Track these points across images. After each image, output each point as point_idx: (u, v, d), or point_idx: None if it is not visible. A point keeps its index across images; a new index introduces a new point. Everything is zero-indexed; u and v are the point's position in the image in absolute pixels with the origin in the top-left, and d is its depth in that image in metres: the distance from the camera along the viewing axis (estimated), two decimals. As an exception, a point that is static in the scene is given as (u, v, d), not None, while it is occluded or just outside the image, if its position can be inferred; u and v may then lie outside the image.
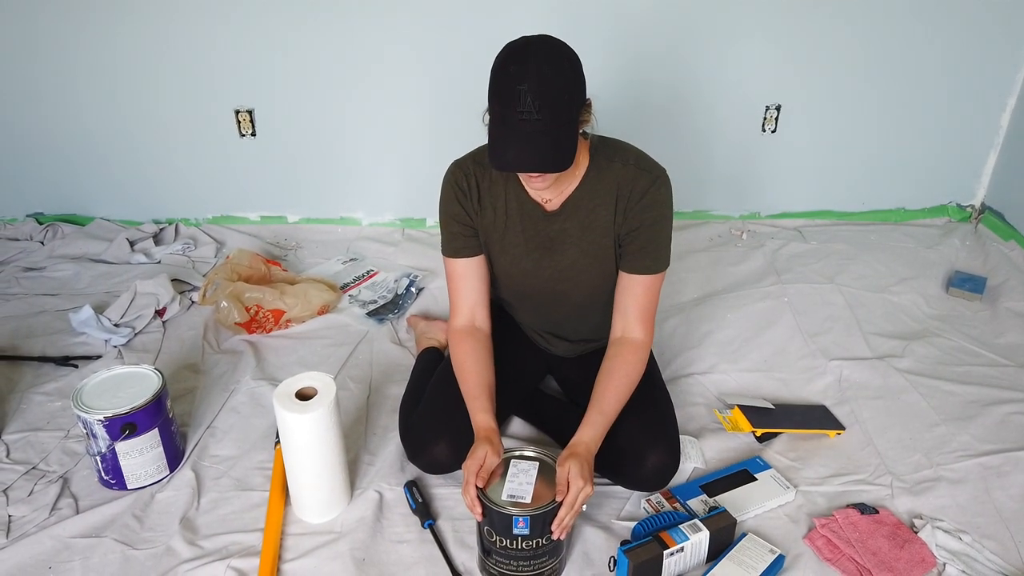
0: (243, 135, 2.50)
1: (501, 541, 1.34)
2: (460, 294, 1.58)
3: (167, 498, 1.59)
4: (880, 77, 2.49)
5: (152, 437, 1.58)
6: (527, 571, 1.37)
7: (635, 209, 1.45)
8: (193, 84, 2.43)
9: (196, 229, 2.60)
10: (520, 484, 1.36)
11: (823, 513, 1.55)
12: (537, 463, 1.40)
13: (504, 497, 1.34)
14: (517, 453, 1.43)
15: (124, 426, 1.53)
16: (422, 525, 1.52)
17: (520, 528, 1.33)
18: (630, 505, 1.58)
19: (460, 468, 1.59)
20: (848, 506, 1.56)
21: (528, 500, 1.32)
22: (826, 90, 2.50)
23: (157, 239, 2.53)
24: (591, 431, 1.44)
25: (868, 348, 2.02)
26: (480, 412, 1.48)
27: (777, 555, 1.43)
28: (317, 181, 2.59)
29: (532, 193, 1.48)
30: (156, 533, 1.51)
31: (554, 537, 1.34)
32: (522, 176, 1.42)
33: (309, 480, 1.50)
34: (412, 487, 1.59)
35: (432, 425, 1.60)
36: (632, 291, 1.51)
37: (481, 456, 1.37)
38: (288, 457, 1.49)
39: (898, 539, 1.49)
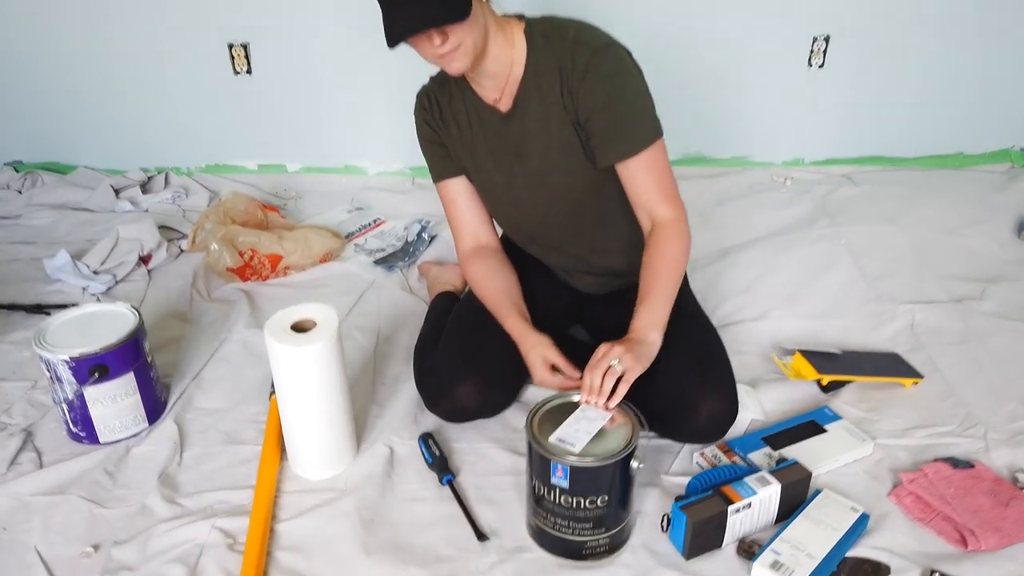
0: (237, 72, 2.28)
1: (541, 488, 1.13)
2: (459, 218, 1.50)
3: (144, 452, 1.38)
4: (938, 5, 2.25)
5: (127, 383, 1.37)
6: (568, 533, 1.14)
7: (581, 91, 1.27)
8: (182, 15, 2.21)
9: (188, 178, 2.38)
10: (577, 431, 1.13)
11: (908, 468, 1.33)
12: (608, 416, 1.17)
13: (552, 439, 1.13)
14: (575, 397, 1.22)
15: (93, 368, 1.32)
16: (440, 481, 1.31)
17: (558, 478, 1.10)
18: (680, 461, 1.36)
19: (486, 414, 1.42)
20: (937, 460, 1.34)
21: (577, 449, 1.11)
22: (879, 18, 2.25)
23: (145, 188, 2.32)
24: (649, 314, 1.26)
25: (942, 291, 1.78)
26: (522, 321, 1.39)
27: (860, 514, 1.21)
28: (320, 125, 2.37)
29: (478, 92, 1.36)
30: (130, 490, 1.30)
31: (581, 398, 1.17)
32: (436, 60, 1.23)
33: (307, 428, 1.28)
34: (428, 439, 1.38)
35: (454, 364, 1.40)
36: (633, 179, 1.32)
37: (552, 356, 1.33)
38: (283, 402, 1.27)
39: (1000, 496, 1.26)
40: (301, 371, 1.22)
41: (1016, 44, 2.31)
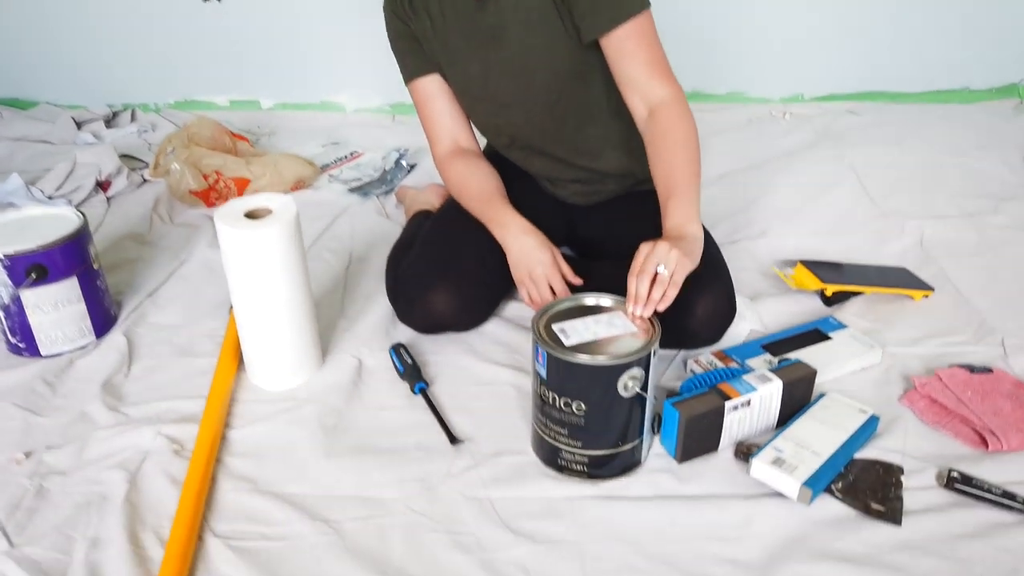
0: (206, 0, 2.17)
1: (536, 382, 1.02)
2: (435, 119, 1.38)
3: (89, 364, 1.27)
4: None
5: (69, 289, 1.25)
6: (546, 432, 1.03)
7: None
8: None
9: (156, 115, 2.27)
10: (586, 326, 1.01)
11: (921, 375, 1.22)
12: (634, 330, 1.02)
13: (555, 325, 1.02)
14: (607, 302, 1.08)
15: (31, 268, 1.21)
16: (412, 390, 1.20)
17: (540, 364, 0.99)
18: (673, 368, 1.25)
19: (463, 326, 1.32)
20: (952, 366, 1.23)
21: (568, 341, 0.98)
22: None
23: (111, 124, 2.20)
24: (679, 212, 1.13)
25: (953, 207, 1.68)
26: (508, 210, 1.29)
27: (869, 415, 1.10)
28: (295, 58, 2.25)
29: None
30: (69, 400, 1.18)
31: (628, 308, 1.04)
32: None
33: (264, 331, 1.17)
34: (400, 349, 1.27)
35: (429, 269, 1.29)
36: (621, 54, 1.20)
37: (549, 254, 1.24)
38: (237, 301, 1.16)
39: (1022, 398, 1.16)
40: (255, 260, 1.10)
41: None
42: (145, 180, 1.89)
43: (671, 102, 1.20)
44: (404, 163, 1.94)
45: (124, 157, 1.93)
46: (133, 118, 2.23)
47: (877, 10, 2.24)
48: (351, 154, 2.05)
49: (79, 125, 2.13)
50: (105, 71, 2.25)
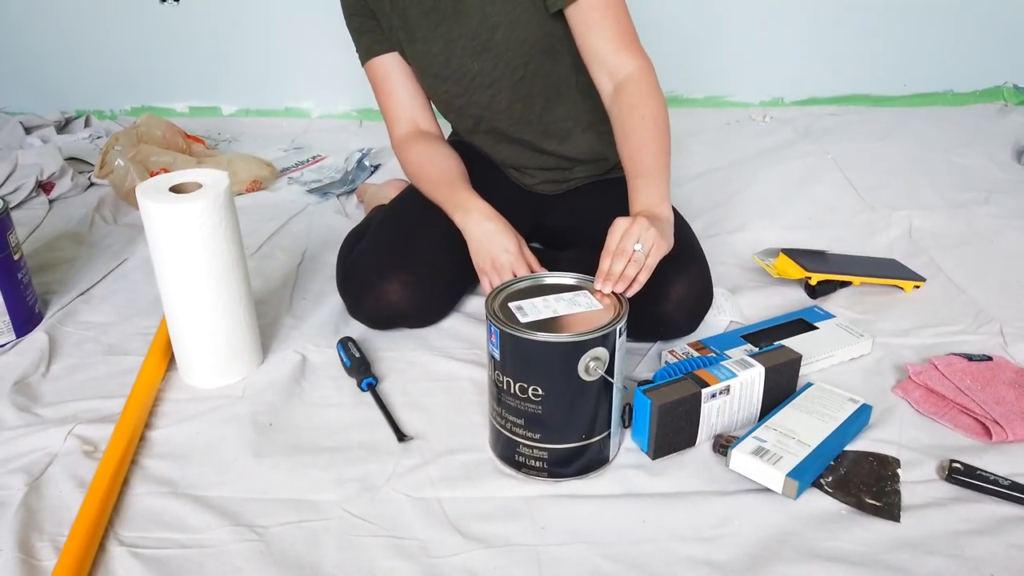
0: (163, 0, 2.09)
1: (490, 367, 0.92)
2: (391, 99, 1.29)
3: (4, 363, 1.15)
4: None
5: (-15, 280, 1.15)
6: (502, 424, 0.92)
7: None
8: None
9: (112, 122, 2.17)
10: (546, 304, 0.92)
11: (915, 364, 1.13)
12: (600, 307, 0.92)
13: (511, 303, 0.92)
14: (570, 280, 0.99)
15: (-62, 256, 1.10)
16: (359, 386, 1.09)
17: (492, 345, 0.89)
18: (647, 362, 1.15)
19: (419, 321, 1.22)
20: (949, 355, 1.13)
21: (524, 319, 0.88)
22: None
23: (63, 130, 2.11)
24: (649, 192, 1.04)
25: (941, 199, 1.60)
26: (471, 194, 1.19)
27: (860, 404, 1.00)
28: (258, 62, 2.17)
29: None
30: (-24, 401, 1.07)
31: (596, 285, 0.94)
32: None
33: (194, 320, 1.06)
34: (348, 342, 1.16)
35: (381, 257, 1.19)
36: (586, 24, 1.12)
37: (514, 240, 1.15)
38: (164, 287, 1.05)
39: (1026, 388, 1.06)
40: (182, 239, 1.00)
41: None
42: (92, 183, 1.78)
43: (639, 76, 1.12)
44: (367, 163, 1.85)
45: (72, 160, 1.83)
46: (87, 124, 2.14)
47: (858, 14, 2.18)
48: (313, 158, 1.96)
49: (28, 131, 2.03)
50: (58, 75, 2.16)
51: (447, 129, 1.40)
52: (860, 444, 0.97)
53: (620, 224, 0.98)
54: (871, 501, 0.88)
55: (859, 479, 0.91)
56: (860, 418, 0.99)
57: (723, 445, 0.96)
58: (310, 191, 1.76)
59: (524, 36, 1.17)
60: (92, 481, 0.89)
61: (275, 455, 0.96)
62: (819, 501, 0.88)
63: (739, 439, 0.93)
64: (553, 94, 1.24)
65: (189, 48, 2.14)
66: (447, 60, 1.22)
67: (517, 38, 1.18)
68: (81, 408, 1.05)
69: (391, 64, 1.27)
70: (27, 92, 2.17)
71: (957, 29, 2.22)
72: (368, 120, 2.22)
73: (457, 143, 1.39)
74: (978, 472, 0.91)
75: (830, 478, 0.91)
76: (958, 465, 0.91)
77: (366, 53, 1.27)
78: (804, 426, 0.95)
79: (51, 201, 1.70)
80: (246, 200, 1.73)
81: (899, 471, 0.92)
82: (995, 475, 0.90)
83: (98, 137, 2.06)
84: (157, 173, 1.63)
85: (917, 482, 0.91)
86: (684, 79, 2.25)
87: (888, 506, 0.87)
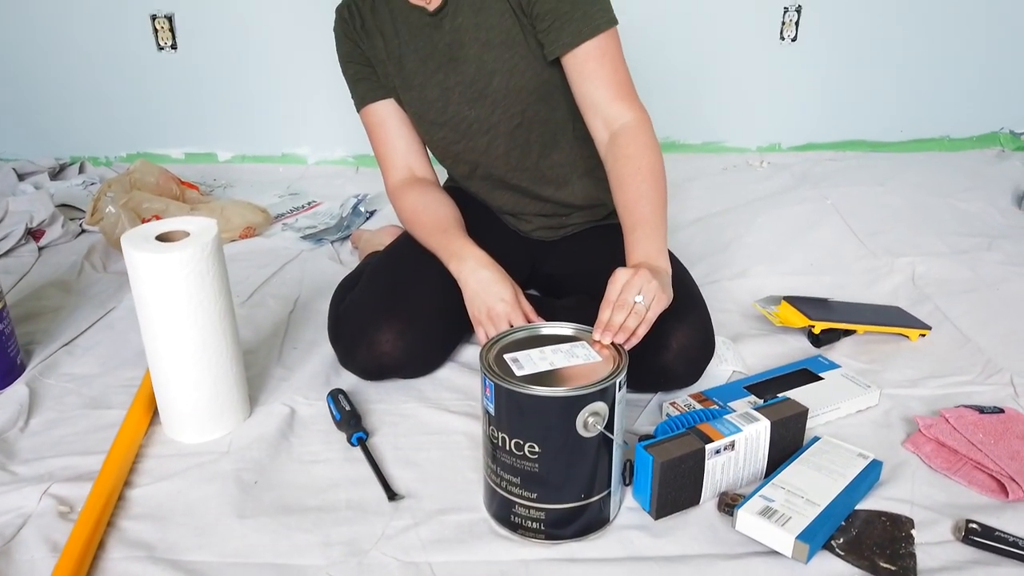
0: (161, 48, 2.08)
1: (485, 422, 0.88)
2: (386, 146, 1.28)
3: (-19, 418, 1.11)
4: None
5: (-36, 332, 1.11)
6: (497, 482, 0.88)
7: None
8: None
9: (106, 168, 2.16)
10: (543, 356, 0.88)
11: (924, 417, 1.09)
12: (599, 359, 0.89)
13: (507, 355, 0.88)
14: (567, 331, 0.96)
15: (-84, 306, 1.07)
16: (349, 441, 1.04)
17: (487, 398, 0.86)
18: (647, 414, 1.11)
19: (412, 371, 1.19)
20: (959, 407, 1.10)
21: (521, 372, 0.85)
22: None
23: (57, 177, 2.09)
24: (647, 244, 1.03)
25: (944, 245, 1.57)
26: (466, 242, 1.17)
27: (871, 460, 0.96)
28: (254, 109, 2.16)
29: None
30: (-51, 459, 1.03)
31: (595, 336, 0.92)
32: None
33: (177, 374, 1.02)
34: (338, 395, 1.12)
35: (374, 305, 1.16)
36: (582, 73, 1.11)
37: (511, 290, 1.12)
38: (147, 339, 1.02)
39: (1041, 441, 1.03)
40: (166, 289, 0.97)
41: (1005, 21, 2.18)
42: (83, 230, 1.76)
43: (635, 127, 1.10)
44: (362, 208, 1.83)
45: (64, 207, 1.81)
46: (82, 171, 2.12)
47: (855, 60, 2.19)
48: (309, 203, 1.94)
49: (22, 177, 2.01)
50: (52, 121, 2.15)
51: (443, 175, 1.39)
52: (871, 503, 0.93)
53: (621, 275, 0.96)
54: (885, 565, 0.83)
55: (872, 541, 0.86)
56: (871, 475, 0.95)
57: (729, 504, 0.92)
58: (304, 237, 1.73)
59: (521, 84, 1.16)
60: (65, 545, 0.84)
61: (259, 515, 0.92)
62: (831, 565, 0.84)
63: (745, 498, 0.89)
64: (550, 140, 1.23)
65: (185, 94, 2.14)
66: (444, 107, 1.21)
67: (514, 85, 1.16)
68: (59, 465, 1.01)
69: (387, 110, 1.26)
70: (22, 139, 2.16)
71: (953, 75, 2.23)
72: (364, 166, 2.20)
73: (453, 189, 1.37)
74: (996, 533, 0.86)
75: (841, 540, 0.86)
76: (975, 526, 0.87)
77: (362, 100, 1.26)
78: (813, 484, 0.91)
79: (40, 248, 1.67)
80: (239, 247, 1.71)
81: (913, 532, 0.88)
82: (1014, 536, 0.86)
83: (92, 183, 2.04)
84: (149, 220, 1.60)
85: (932, 543, 0.87)
86: (682, 124, 2.25)
87: (903, 570, 0.83)
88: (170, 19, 2.06)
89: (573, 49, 1.10)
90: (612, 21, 1.11)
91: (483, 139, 1.22)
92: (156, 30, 2.06)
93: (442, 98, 1.20)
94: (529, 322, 1.08)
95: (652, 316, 0.95)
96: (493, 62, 1.15)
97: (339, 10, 1.25)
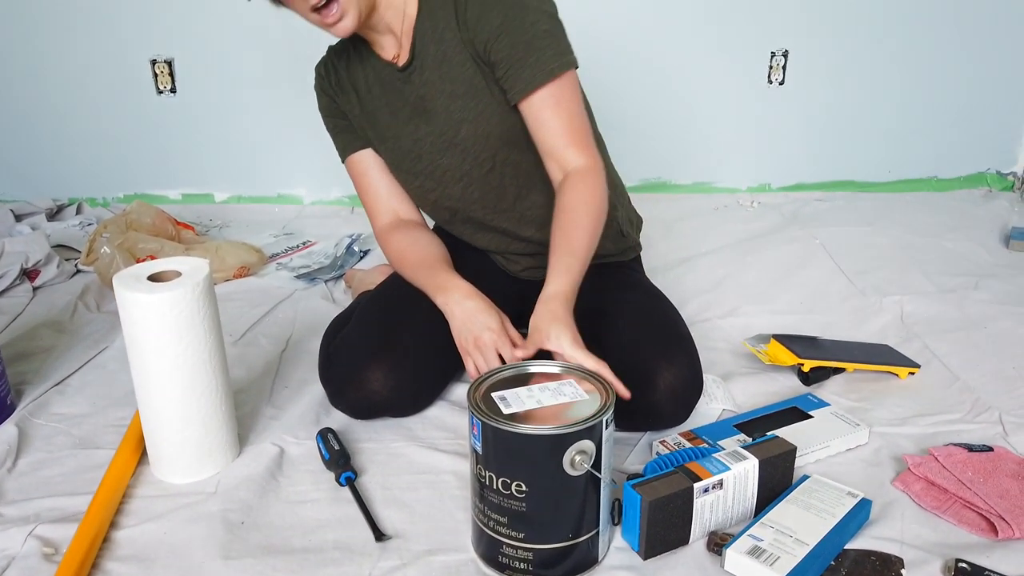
0: (161, 92, 2.12)
1: (472, 461, 0.88)
2: (371, 192, 1.32)
3: (-30, 458, 1.11)
4: (902, 24, 2.16)
5: (-45, 371, 1.11)
6: (484, 521, 0.88)
7: (473, 21, 1.12)
8: (100, 28, 2.06)
9: (104, 209, 2.18)
10: (531, 395, 0.89)
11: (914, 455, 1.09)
12: (586, 398, 0.89)
13: (494, 393, 0.89)
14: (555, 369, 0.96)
15: (-92, 346, 1.07)
16: (337, 481, 1.04)
17: (473, 436, 0.86)
18: (636, 453, 1.11)
19: (402, 409, 1.19)
20: (948, 445, 1.10)
21: (508, 410, 0.85)
22: (840, 36, 2.16)
23: (54, 218, 2.10)
24: (564, 278, 1.05)
25: (932, 284, 1.59)
26: (451, 275, 1.20)
27: (859, 499, 0.96)
28: (250, 150, 2.19)
29: (379, 53, 1.21)
30: (-64, 499, 1.02)
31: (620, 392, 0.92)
32: (319, 22, 1.09)
33: (166, 414, 1.02)
34: (327, 434, 1.12)
35: (364, 343, 1.17)
36: (540, 119, 1.13)
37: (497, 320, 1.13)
38: (136, 379, 1.02)
39: (1030, 480, 1.03)
40: (157, 329, 0.98)
41: (991, 63, 2.22)
42: (79, 270, 1.77)
43: (582, 171, 1.13)
44: (356, 248, 1.85)
45: (60, 247, 1.82)
46: (79, 211, 2.14)
47: (842, 102, 2.23)
48: (304, 243, 1.96)
49: (19, 218, 2.03)
50: (50, 164, 2.17)
51: (431, 220, 1.41)
52: (861, 542, 0.93)
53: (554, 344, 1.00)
54: (875, 605, 0.83)
55: (861, 581, 0.86)
56: (860, 514, 0.95)
57: (718, 544, 0.91)
58: (298, 276, 1.75)
59: (488, 130, 1.19)
60: (49, 587, 0.84)
61: (244, 557, 0.91)
62: (820, 605, 0.83)
63: (734, 537, 0.88)
64: (525, 182, 1.25)
65: (182, 136, 2.17)
66: (417, 157, 1.24)
67: (482, 132, 1.19)
68: (45, 506, 1.00)
69: (369, 160, 1.30)
70: (20, 180, 2.18)
71: (940, 116, 2.27)
72: (360, 207, 2.23)
73: (441, 231, 1.39)
74: (986, 572, 0.86)
75: (831, 579, 0.86)
76: (964, 565, 0.87)
77: (344, 150, 1.31)
78: (802, 523, 0.91)
79: (35, 289, 1.68)
80: (233, 286, 1.72)
81: (903, 572, 0.87)
82: (1004, 575, 0.86)
83: (89, 224, 2.06)
84: (144, 260, 1.61)
85: (922, 583, 0.86)
86: (672, 165, 2.28)
87: (893, 610, 0.82)
88: (170, 64, 2.10)
89: (528, 96, 1.12)
90: (567, 64, 1.13)
91: (457, 186, 1.25)
92: (156, 74, 2.10)
93: (415, 149, 1.23)
94: (515, 347, 1.09)
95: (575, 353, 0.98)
96: (460, 111, 1.18)
97: (317, 67, 1.30)
